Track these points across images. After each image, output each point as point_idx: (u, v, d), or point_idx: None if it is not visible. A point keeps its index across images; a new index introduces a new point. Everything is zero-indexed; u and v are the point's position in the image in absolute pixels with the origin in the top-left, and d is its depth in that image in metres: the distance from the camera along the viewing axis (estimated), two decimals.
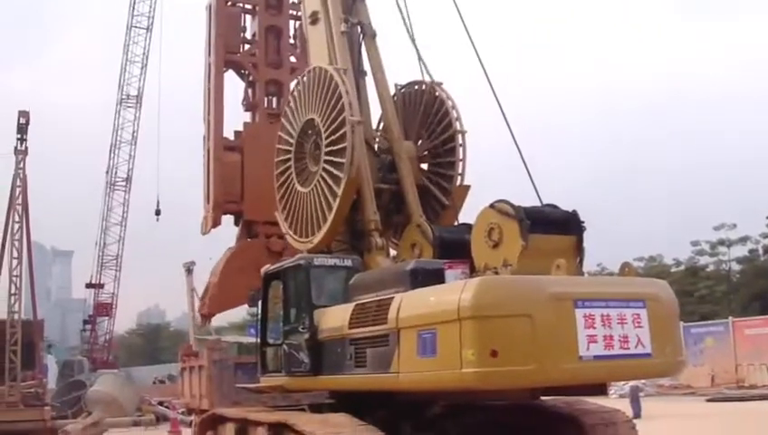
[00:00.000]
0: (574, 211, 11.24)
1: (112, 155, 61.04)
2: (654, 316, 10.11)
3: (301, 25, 18.62)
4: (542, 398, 12.72)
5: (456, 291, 9.40)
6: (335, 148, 13.31)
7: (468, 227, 12.86)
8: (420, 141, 15.31)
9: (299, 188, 14.14)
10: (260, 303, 13.78)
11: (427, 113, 15.29)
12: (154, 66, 62.66)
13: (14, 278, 30.39)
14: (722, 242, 60.52)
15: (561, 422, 11.80)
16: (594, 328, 9.51)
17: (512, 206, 10.77)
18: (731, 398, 32.06)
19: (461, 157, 14.96)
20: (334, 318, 11.76)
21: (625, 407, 12.71)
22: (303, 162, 14.33)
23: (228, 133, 18.88)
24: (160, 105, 61.87)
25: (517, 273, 10.13)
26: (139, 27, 60.68)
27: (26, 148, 30.55)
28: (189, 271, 54.91)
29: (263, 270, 13.95)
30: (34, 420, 28.66)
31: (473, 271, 10.65)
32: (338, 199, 13.14)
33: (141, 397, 37.03)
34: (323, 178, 13.45)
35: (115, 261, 62.30)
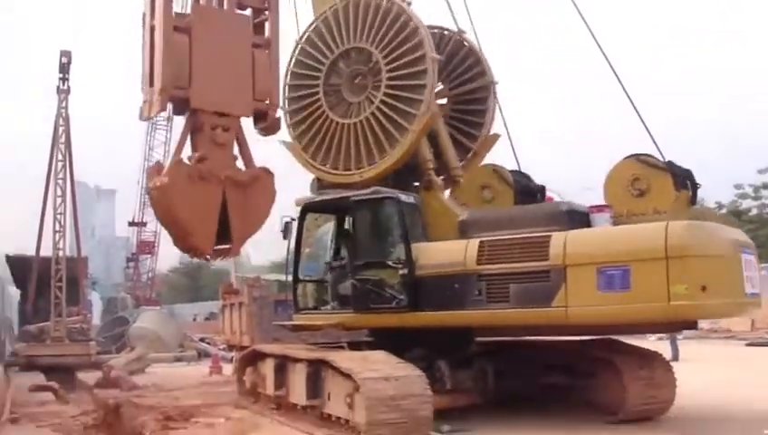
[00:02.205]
0: (689, 170, 12.29)
1: None
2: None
3: None
4: (581, 338, 12.85)
5: (659, 232, 10.17)
6: (404, 83, 13.23)
7: (524, 174, 14.05)
8: (441, 87, 15.12)
9: (337, 118, 13.86)
10: (294, 235, 13.54)
11: (451, 61, 15.18)
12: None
13: (58, 216, 30.75)
14: (766, 186, 59.58)
15: (597, 363, 11.83)
16: (748, 271, 10.83)
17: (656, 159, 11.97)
18: None
19: (490, 106, 15.02)
20: (447, 254, 11.84)
21: (662, 349, 12.71)
22: (337, 92, 14.07)
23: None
24: None
25: (672, 220, 10.72)
26: None
27: (68, 87, 30.69)
28: None
29: (300, 200, 13.77)
30: (80, 354, 29.22)
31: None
32: (409, 135, 13.06)
33: (183, 333, 37.54)
34: (384, 112, 13.28)
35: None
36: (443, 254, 11.95)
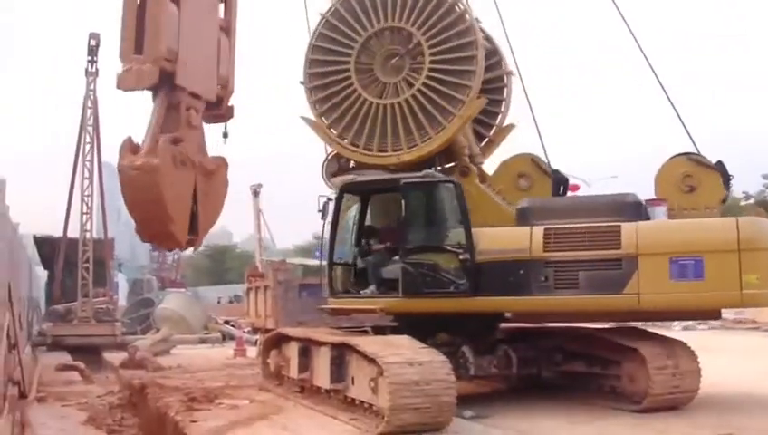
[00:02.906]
0: (721, 161, 13.01)
1: None
2: None
3: None
4: (606, 326, 12.84)
5: (731, 226, 11.09)
6: (451, 67, 13.22)
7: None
8: None
9: (371, 98, 13.62)
10: (331, 217, 13.06)
11: None
12: None
13: (85, 198, 31.10)
14: None
15: (621, 351, 11.79)
16: None
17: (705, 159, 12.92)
18: None
19: (506, 97, 15.07)
20: (511, 240, 11.93)
21: (687, 339, 12.64)
22: (369, 71, 13.82)
23: None
24: None
25: (716, 215, 12.33)
26: None
27: (97, 69, 30.90)
28: (256, 193, 55.71)
29: (339, 180, 13.44)
30: (105, 335, 29.60)
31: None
32: (456, 121, 13.13)
33: (208, 316, 37.78)
34: (427, 95, 13.21)
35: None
36: (506, 240, 12.01)
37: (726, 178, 12.96)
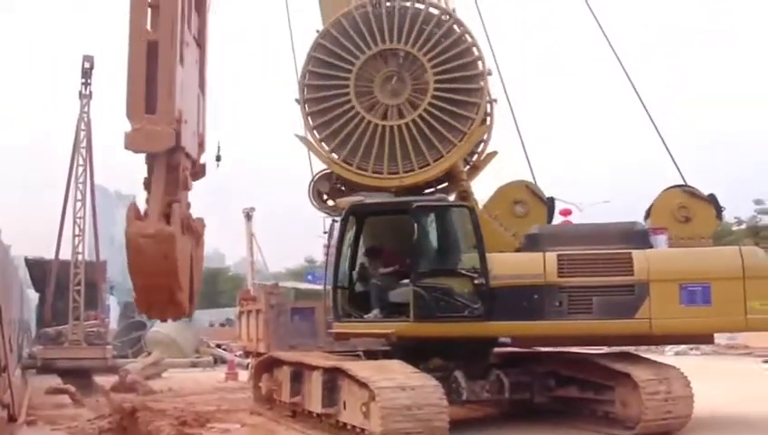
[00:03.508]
0: (713, 194, 13.59)
1: None
2: None
3: None
4: (598, 351, 12.85)
5: (735, 255, 12.02)
6: (455, 86, 13.43)
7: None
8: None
9: (373, 119, 13.55)
10: (336, 239, 12.79)
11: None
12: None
13: (77, 220, 30.95)
14: None
15: (614, 377, 11.78)
16: None
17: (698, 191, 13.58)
18: None
19: (489, 123, 14.73)
20: (524, 265, 12.06)
21: (679, 364, 12.66)
22: (369, 93, 13.72)
23: None
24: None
25: (710, 245, 13.16)
26: None
27: (90, 92, 30.86)
28: (249, 217, 55.65)
29: (345, 201, 13.04)
30: (96, 358, 29.39)
31: None
32: (464, 141, 13.44)
33: (200, 339, 37.62)
34: (434, 115, 13.31)
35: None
36: (520, 265, 12.13)
37: (719, 210, 13.60)
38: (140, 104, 12.52)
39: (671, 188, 13.76)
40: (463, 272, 12.04)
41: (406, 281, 12.15)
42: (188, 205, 13.93)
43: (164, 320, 15.34)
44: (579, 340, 12.58)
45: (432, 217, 12.55)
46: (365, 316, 12.54)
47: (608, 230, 12.93)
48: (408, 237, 12.10)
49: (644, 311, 11.67)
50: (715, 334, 13.11)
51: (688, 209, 13.36)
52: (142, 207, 13.00)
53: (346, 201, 12.98)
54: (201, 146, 14.53)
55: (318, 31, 14.13)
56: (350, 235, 13.13)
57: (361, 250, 13.42)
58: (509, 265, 12.08)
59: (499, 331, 12.06)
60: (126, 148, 12.74)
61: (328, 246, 13.24)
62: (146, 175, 13.33)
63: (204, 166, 14.61)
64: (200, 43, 14.45)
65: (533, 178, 14.68)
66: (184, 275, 13.11)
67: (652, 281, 11.74)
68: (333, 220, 13.09)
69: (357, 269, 13.20)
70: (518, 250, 12.80)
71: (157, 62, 12.62)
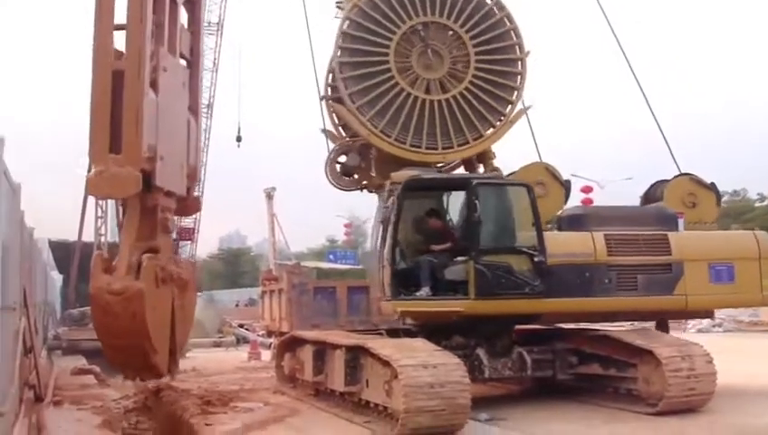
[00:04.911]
0: (713, 183, 14.78)
1: None
2: None
3: None
4: (620, 328, 12.89)
5: (751, 238, 13.49)
6: (496, 68, 14.10)
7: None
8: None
9: (419, 94, 13.85)
10: (391, 217, 12.34)
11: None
12: None
13: (99, 202, 31.15)
14: None
15: (636, 354, 11.76)
16: None
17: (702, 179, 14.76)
18: None
19: (522, 76, 15.03)
20: (576, 244, 12.51)
21: (702, 341, 12.63)
22: (409, 68, 14.00)
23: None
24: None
25: (715, 229, 14.40)
26: None
27: None
28: (270, 196, 55.68)
29: (400, 175, 12.58)
30: None
31: None
32: (504, 123, 14.26)
33: (222, 319, 37.78)
34: (473, 93, 13.79)
35: (197, 186, 62.76)
36: (571, 244, 12.52)
37: (718, 198, 14.99)
38: (104, 144, 10.56)
39: (679, 176, 14.92)
40: (523, 250, 12.07)
41: (461, 258, 12.12)
42: (171, 247, 12.43)
43: (143, 380, 13.18)
44: (626, 315, 13.72)
45: (491, 194, 12.52)
46: (416, 294, 12.26)
47: (643, 213, 14.14)
48: (457, 215, 12.69)
49: (680, 288, 12.61)
50: (738, 311, 14.26)
51: (695, 196, 14.50)
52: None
53: (401, 175, 12.59)
54: (192, 177, 12.74)
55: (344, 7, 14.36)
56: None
57: (404, 226, 12.74)
58: (562, 244, 12.42)
59: (556, 307, 12.22)
60: (89, 193, 10.65)
61: (384, 221, 12.66)
62: (121, 216, 11.92)
63: (198, 199, 13.32)
64: (192, 61, 12.73)
65: (539, 155, 15.22)
66: (160, 334, 11.33)
67: (686, 260, 12.72)
68: (390, 191, 12.52)
69: (402, 246, 12.76)
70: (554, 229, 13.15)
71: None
